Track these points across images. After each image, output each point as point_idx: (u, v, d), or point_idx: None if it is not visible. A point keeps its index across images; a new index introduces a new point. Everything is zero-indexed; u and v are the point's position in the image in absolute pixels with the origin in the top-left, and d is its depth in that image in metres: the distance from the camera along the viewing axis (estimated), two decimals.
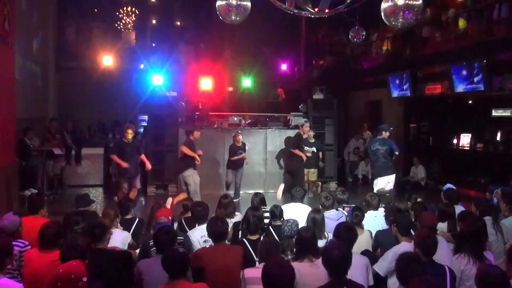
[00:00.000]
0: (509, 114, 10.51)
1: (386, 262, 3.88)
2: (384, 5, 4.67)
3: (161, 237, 3.76)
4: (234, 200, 8.86)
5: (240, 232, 4.87)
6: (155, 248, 3.93)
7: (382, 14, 4.74)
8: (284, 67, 16.20)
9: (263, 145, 10.79)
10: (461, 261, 3.73)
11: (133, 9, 17.59)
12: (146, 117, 12.61)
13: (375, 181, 8.14)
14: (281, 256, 3.63)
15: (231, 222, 5.08)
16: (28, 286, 3.57)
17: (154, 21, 17.89)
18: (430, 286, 2.66)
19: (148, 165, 8.46)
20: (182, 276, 3.23)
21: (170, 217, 4.76)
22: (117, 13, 17.35)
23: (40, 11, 12.12)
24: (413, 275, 2.90)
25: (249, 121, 11.37)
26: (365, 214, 5.08)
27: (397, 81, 11.66)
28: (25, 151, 8.90)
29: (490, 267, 3.11)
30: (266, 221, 5.16)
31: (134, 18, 17.50)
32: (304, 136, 9.53)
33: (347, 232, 3.80)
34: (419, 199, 6.01)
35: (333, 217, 5.17)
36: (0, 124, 7.02)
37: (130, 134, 8.07)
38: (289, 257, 3.80)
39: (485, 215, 4.85)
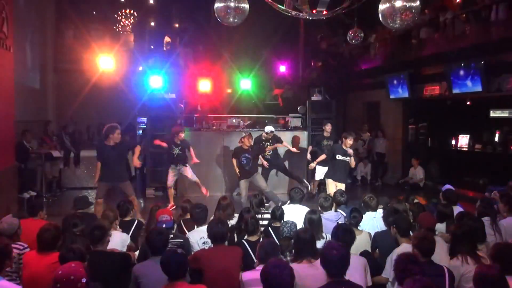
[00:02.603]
0: (507, 115, 10.51)
1: (390, 266, 3.85)
2: (382, 7, 4.68)
3: (155, 239, 3.75)
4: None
5: (235, 235, 4.87)
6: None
7: (380, 15, 4.75)
8: (282, 69, 16.20)
9: None
10: (458, 263, 3.73)
11: (132, 11, 17.60)
12: (144, 119, 12.60)
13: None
14: (280, 258, 3.63)
15: (229, 224, 5.09)
16: None
17: (152, 23, 17.89)
18: (423, 285, 2.66)
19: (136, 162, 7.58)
20: (181, 277, 3.23)
21: (171, 217, 4.75)
22: (116, 16, 17.36)
23: (39, 13, 12.13)
24: (410, 275, 2.91)
25: (248, 122, 11.38)
26: (363, 215, 5.09)
27: (395, 82, 11.68)
28: (23, 154, 8.90)
29: (487, 267, 3.11)
30: (265, 222, 5.18)
31: (132, 21, 17.51)
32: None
33: (345, 233, 3.80)
34: (417, 200, 6.02)
35: (332, 218, 5.18)
36: None
37: (118, 134, 7.06)
38: (288, 258, 3.81)
39: (484, 216, 4.87)
